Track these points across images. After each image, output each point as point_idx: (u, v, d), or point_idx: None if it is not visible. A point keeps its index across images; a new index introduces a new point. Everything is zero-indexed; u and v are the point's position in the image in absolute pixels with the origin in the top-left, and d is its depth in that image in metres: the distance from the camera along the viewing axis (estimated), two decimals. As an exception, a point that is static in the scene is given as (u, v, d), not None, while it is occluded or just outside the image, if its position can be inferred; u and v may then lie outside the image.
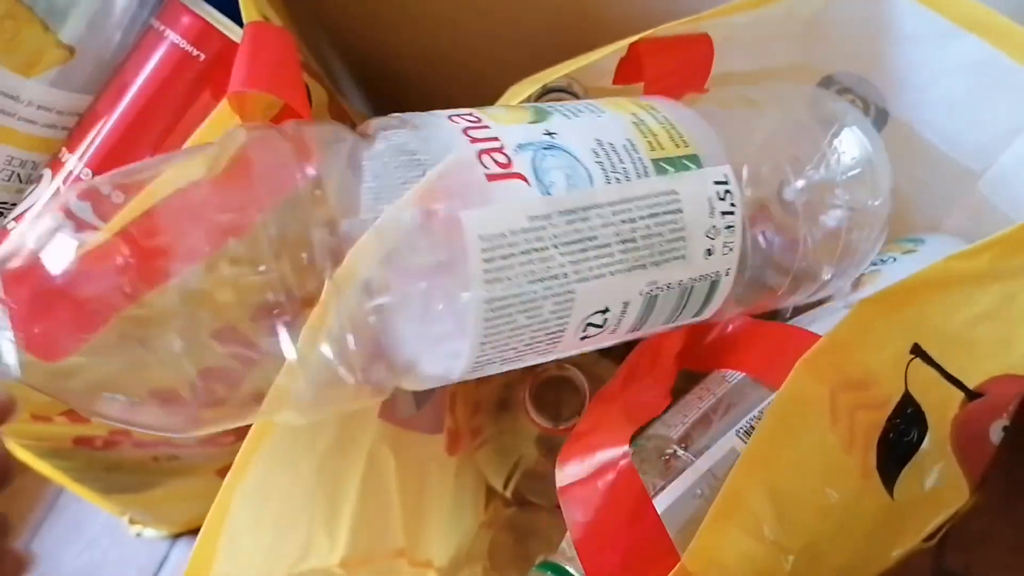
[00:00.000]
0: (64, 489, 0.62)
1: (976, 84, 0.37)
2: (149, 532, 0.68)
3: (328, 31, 0.65)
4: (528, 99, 0.37)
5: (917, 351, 0.33)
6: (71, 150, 0.38)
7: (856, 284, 0.42)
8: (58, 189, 0.37)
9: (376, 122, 0.33)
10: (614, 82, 0.36)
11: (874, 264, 0.42)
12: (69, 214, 0.38)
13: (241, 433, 0.58)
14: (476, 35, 0.58)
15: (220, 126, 0.35)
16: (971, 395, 0.34)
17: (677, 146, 0.32)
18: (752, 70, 0.40)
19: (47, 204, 0.38)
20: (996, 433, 0.34)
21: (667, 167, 0.32)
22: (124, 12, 0.38)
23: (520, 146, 0.31)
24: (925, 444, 0.33)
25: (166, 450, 0.55)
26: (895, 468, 0.33)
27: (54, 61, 0.36)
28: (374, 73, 0.70)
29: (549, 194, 0.30)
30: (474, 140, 0.31)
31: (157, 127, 0.38)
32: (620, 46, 0.35)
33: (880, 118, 0.42)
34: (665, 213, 0.32)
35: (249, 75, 0.34)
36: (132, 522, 0.67)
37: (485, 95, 0.66)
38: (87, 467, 0.56)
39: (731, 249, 0.33)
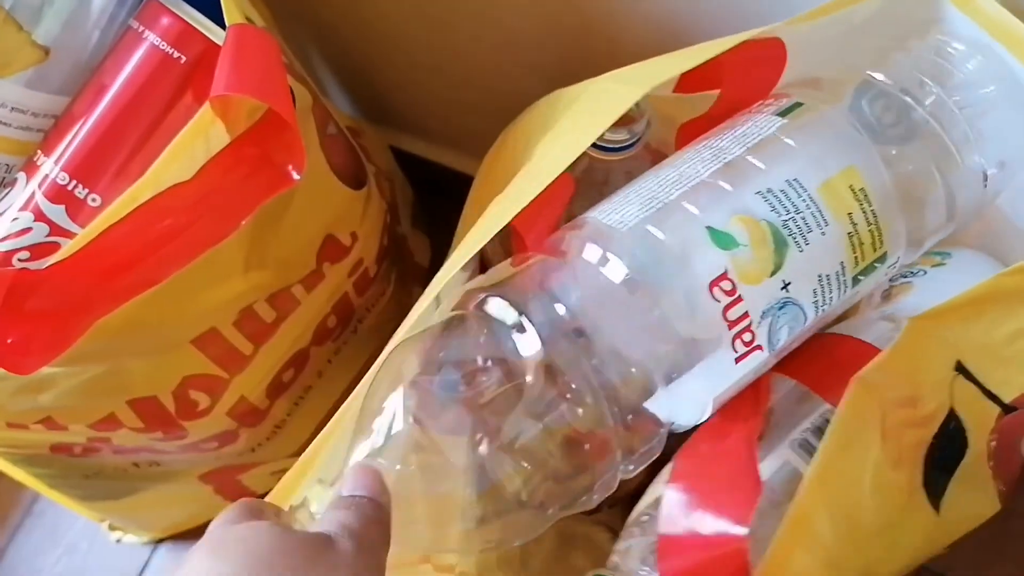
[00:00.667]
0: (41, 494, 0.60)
1: (1001, 98, 0.38)
2: (129, 538, 0.66)
3: (311, 28, 0.64)
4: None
5: (960, 368, 0.34)
6: (47, 153, 0.37)
7: (887, 295, 0.42)
8: (32, 193, 0.36)
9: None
10: (675, 91, 0.35)
11: (904, 276, 0.44)
12: (43, 218, 0.37)
13: (224, 439, 0.57)
14: (465, 37, 0.57)
15: (202, 130, 0.34)
16: (1007, 409, 0.34)
17: (875, 249, 0.36)
18: (808, 76, 0.40)
19: (21, 208, 0.36)
20: None
21: (861, 277, 0.36)
22: (101, 12, 0.37)
23: (763, 314, 0.34)
24: (966, 459, 0.34)
25: (147, 456, 0.53)
26: (941, 483, 0.34)
27: (29, 61, 0.35)
28: (358, 73, 0.69)
29: (775, 350, 0.35)
30: (731, 324, 0.34)
31: (136, 130, 0.37)
32: (696, 62, 0.34)
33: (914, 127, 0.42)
34: (841, 309, 0.37)
35: (232, 79, 0.34)
36: (112, 528, 0.65)
37: (472, 98, 0.66)
38: (65, 474, 0.54)
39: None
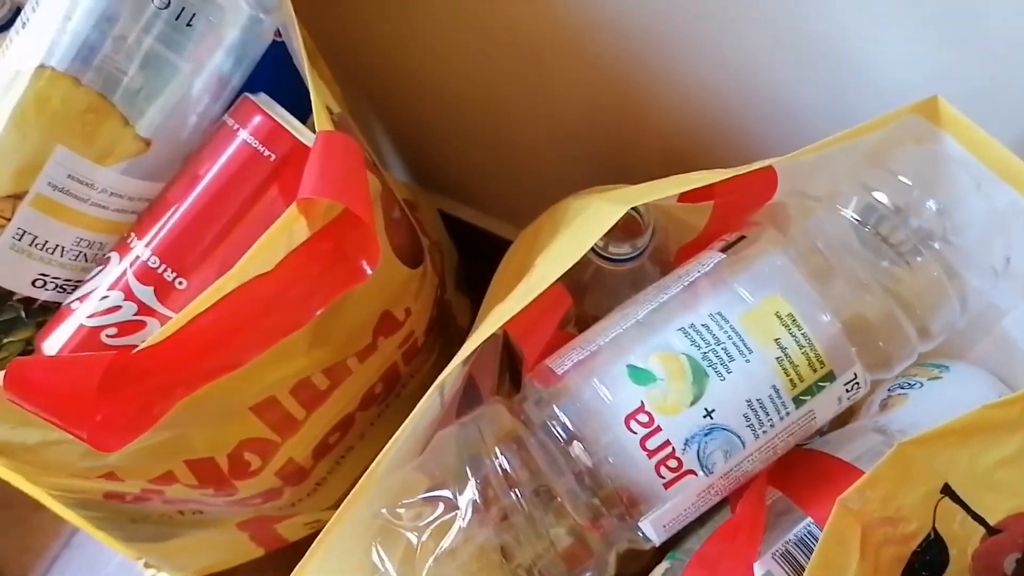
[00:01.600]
0: (81, 527, 0.63)
1: (1009, 230, 0.40)
2: (164, 576, 0.68)
3: (372, 99, 0.66)
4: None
5: (947, 491, 0.36)
6: (139, 235, 0.39)
7: (884, 406, 0.43)
8: (124, 272, 0.38)
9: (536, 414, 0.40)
10: (680, 200, 0.38)
11: (901, 388, 0.46)
12: (132, 297, 0.39)
13: (269, 496, 0.59)
14: (518, 121, 0.60)
15: (287, 226, 0.38)
16: (991, 531, 0.36)
17: (815, 370, 0.38)
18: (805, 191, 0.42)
19: (111, 287, 0.38)
20: (1009, 565, 0.37)
21: (805, 398, 0.38)
22: (198, 107, 0.40)
23: (687, 442, 0.37)
24: (946, 576, 0.36)
25: (194, 506, 0.56)
26: (917, 600, 0.36)
27: (130, 152, 0.39)
28: (415, 141, 0.72)
29: (712, 473, 0.38)
30: (651, 453, 0.37)
31: (224, 219, 0.40)
32: (694, 184, 0.38)
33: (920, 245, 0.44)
34: (801, 429, 0.40)
35: (319, 183, 0.37)
36: (147, 566, 0.67)
37: (519, 174, 0.68)
38: (113, 518, 0.57)
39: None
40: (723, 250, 0.41)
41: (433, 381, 0.71)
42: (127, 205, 0.43)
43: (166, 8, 0.40)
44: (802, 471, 0.42)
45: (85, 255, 0.43)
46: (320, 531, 0.38)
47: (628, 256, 0.45)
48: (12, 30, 0.43)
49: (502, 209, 0.79)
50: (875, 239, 0.40)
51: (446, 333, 0.68)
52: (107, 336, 0.42)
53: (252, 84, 0.45)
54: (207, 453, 0.51)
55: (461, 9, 0.58)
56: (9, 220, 0.41)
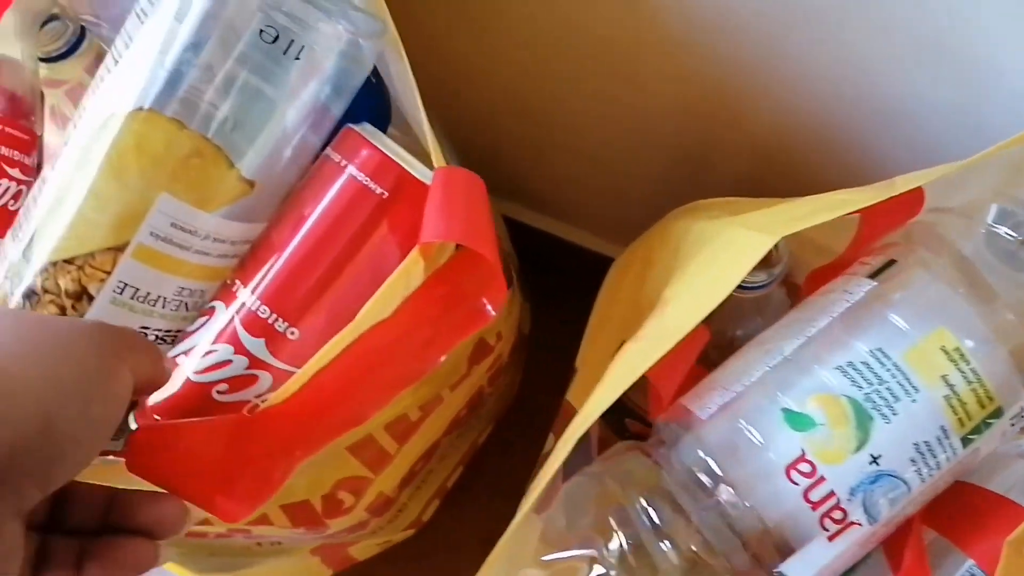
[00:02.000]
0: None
1: None
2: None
3: (436, 100, 0.64)
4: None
5: None
6: (244, 281, 0.37)
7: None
8: (231, 324, 0.36)
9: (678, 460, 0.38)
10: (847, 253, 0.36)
11: None
12: (243, 351, 0.37)
13: (355, 529, 0.57)
14: (594, 117, 0.58)
15: (407, 272, 0.37)
16: None
17: (983, 407, 0.37)
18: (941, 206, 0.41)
19: (218, 340, 0.39)
20: None
21: (973, 437, 0.37)
22: (295, 142, 0.38)
23: (853, 491, 0.36)
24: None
25: (275, 538, 0.54)
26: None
27: (235, 196, 0.37)
28: (477, 142, 0.69)
29: (876, 521, 0.36)
30: (814, 505, 0.35)
31: (333, 261, 0.38)
32: (847, 209, 0.36)
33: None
34: (963, 467, 0.38)
35: (442, 226, 0.34)
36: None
37: (590, 172, 0.66)
38: (192, 552, 0.55)
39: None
40: (871, 276, 0.38)
41: (504, 394, 0.70)
42: (229, 249, 0.41)
43: (274, 42, 0.37)
44: (955, 507, 0.40)
45: (187, 304, 0.41)
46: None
47: (761, 284, 0.43)
48: (103, 67, 0.40)
49: (561, 209, 0.76)
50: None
51: (517, 345, 0.67)
52: (218, 393, 0.40)
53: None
54: (303, 497, 0.49)
55: (539, 13, 0.55)
56: (109, 274, 0.39)
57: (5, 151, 0.46)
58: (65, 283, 0.39)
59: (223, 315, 0.40)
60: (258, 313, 0.40)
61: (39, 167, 0.51)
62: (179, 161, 0.38)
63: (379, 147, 0.40)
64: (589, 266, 0.75)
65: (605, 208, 0.73)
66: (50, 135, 0.55)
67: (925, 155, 0.53)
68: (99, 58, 0.59)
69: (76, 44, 0.57)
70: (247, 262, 0.41)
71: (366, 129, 0.41)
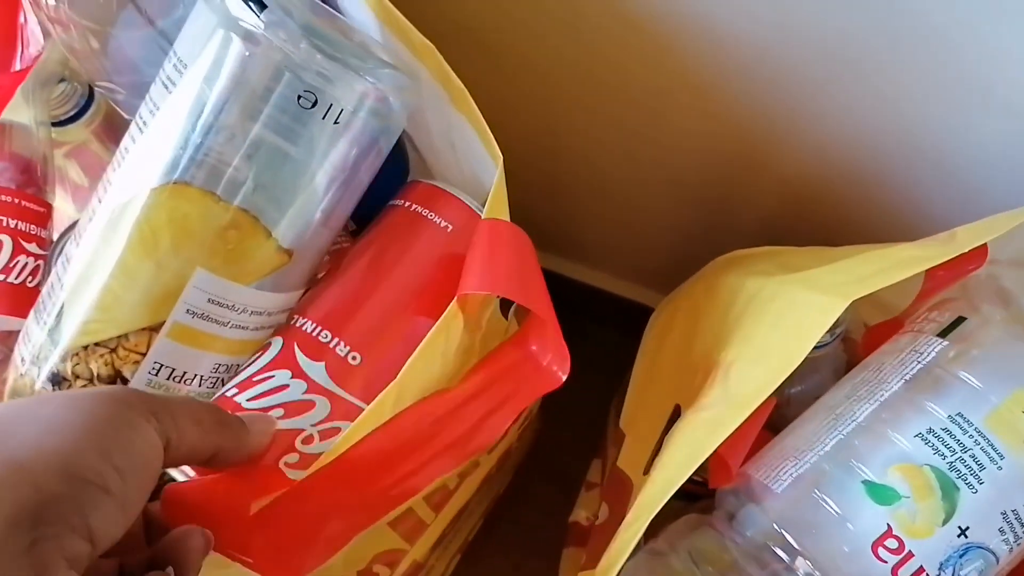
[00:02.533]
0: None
1: None
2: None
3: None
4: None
5: None
6: (301, 315, 0.39)
7: None
8: (288, 346, 0.37)
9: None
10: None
11: None
12: (301, 375, 0.35)
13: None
14: (619, 160, 0.57)
15: (446, 324, 0.36)
16: None
17: None
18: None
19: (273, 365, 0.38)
20: None
21: None
22: (335, 210, 0.38)
23: (942, 565, 0.33)
24: None
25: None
26: None
27: (273, 267, 0.35)
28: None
29: None
30: None
31: (393, 284, 0.39)
32: (915, 269, 0.34)
33: None
34: None
35: (486, 277, 0.32)
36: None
37: (611, 215, 0.64)
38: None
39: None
40: (940, 335, 0.37)
41: (529, 443, 0.68)
42: (266, 321, 0.39)
43: (310, 105, 0.35)
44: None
45: (223, 380, 0.39)
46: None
47: (823, 344, 0.41)
48: (127, 138, 0.38)
49: (579, 251, 0.75)
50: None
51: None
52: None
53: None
54: (341, 573, 0.47)
55: (564, 53, 0.54)
56: (144, 355, 0.36)
57: (22, 226, 0.44)
58: (97, 367, 0.36)
59: (278, 344, 0.39)
60: (319, 338, 0.38)
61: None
62: (215, 234, 0.36)
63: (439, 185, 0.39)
64: (607, 308, 0.73)
65: (623, 249, 0.71)
66: (59, 200, 0.53)
67: (962, 198, 0.52)
68: (106, 119, 0.57)
69: (85, 107, 0.55)
70: (304, 300, 0.40)
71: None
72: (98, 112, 0.56)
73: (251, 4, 0.35)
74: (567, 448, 0.73)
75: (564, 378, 0.36)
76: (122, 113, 0.48)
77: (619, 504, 0.42)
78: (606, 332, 0.70)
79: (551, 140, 0.64)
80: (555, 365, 0.37)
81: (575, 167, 0.65)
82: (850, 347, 0.43)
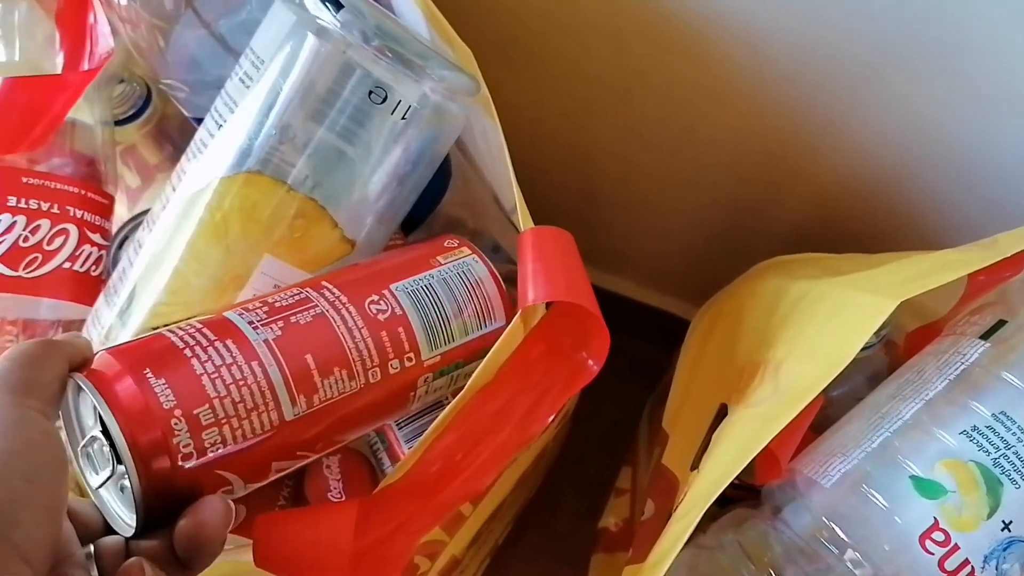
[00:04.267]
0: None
1: None
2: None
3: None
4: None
5: None
6: None
7: None
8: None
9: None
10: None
11: None
12: None
13: None
14: (649, 164, 0.57)
15: (513, 339, 0.36)
16: None
17: None
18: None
19: None
20: None
21: None
22: (395, 204, 0.40)
23: (986, 558, 0.34)
24: None
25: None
26: None
27: (337, 256, 0.35)
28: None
29: None
30: (949, 574, 0.34)
31: None
32: (965, 270, 0.36)
33: None
34: None
35: (541, 288, 0.34)
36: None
37: (640, 220, 0.65)
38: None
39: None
40: (982, 337, 0.37)
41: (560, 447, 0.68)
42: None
43: (380, 101, 0.36)
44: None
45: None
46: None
47: (869, 345, 0.42)
48: (202, 132, 0.38)
49: (607, 259, 0.75)
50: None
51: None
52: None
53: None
54: (385, 564, 0.47)
55: (604, 64, 0.55)
56: (210, 338, 0.37)
57: (88, 216, 0.45)
58: (165, 349, 0.37)
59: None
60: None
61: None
62: (284, 222, 0.37)
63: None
64: (633, 317, 0.74)
65: (650, 258, 0.72)
66: (114, 196, 0.54)
67: (992, 205, 0.52)
68: (161, 122, 0.58)
69: (141, 109, 0.56)
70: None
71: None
72: (154, 114, 0.57)
73: (327, 4, 0.36)
74: (594, 455, 0.73)
75: (597, 370, 0.37)
76: (183, 111, 0.49)
77: (665, 500, 0.42)
78: (633, 341, 0.71)
79: (582, 148, 0.65)
80: (591, 356, 0.37)
81: (606, 177, 0.66)
82: (891, 351, 0.43)
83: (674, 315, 0.74)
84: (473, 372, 0.36)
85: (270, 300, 0.34)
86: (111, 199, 0.47)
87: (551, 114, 0.62)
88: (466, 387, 0.35)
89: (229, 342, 0.31)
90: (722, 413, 0.41)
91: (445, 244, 0.40)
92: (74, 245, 0.44)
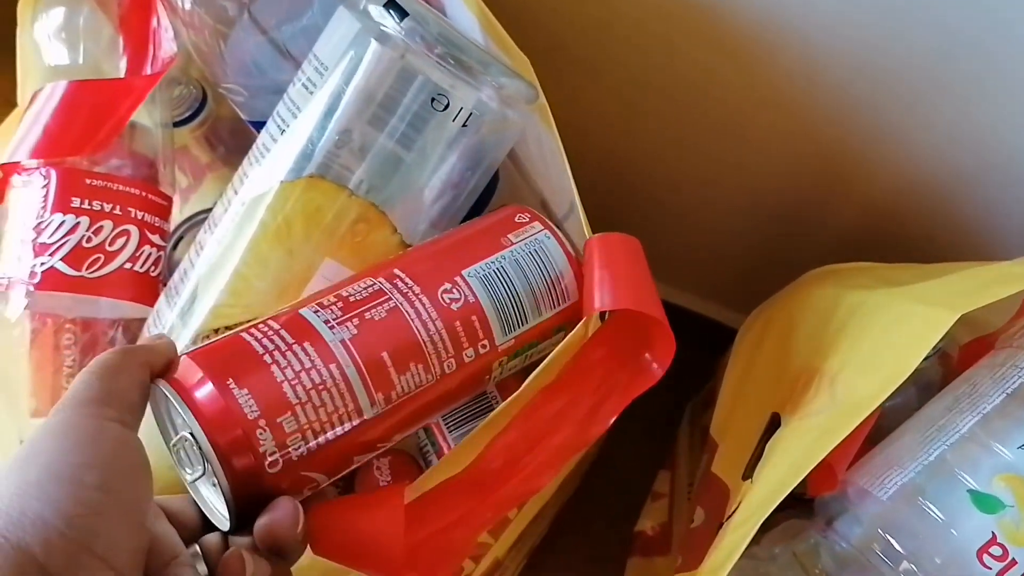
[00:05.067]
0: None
1: None
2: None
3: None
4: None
5: None
6: None
7: None
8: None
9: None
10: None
11: None
12: None
13: None
14: (702, 171, 0.57)
15: (578, 342, 0.36)
16: None
17: None
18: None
19: None
20: None
21: None
22: (452, 211, 0.41)
23: None
24: None
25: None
26: None
27: None
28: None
29: None
30: None
31: None
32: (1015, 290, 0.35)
33: None
34: None
35: (611, 295, 0.32)
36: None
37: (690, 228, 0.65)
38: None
39: None
40: (1040, 349, 0.37)
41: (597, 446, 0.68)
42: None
43: (442, 109, 0.36)
44: None
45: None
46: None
47: (926, 357, 0.41)
48: (265, 136, 0.39)
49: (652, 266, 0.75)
50: None
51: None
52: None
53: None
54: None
55: (657, 68, 0.55)
56: (270, 340, 0.37)
57: (148, 218, 0.45)
58: (227, 349, 0.37)
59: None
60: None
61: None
62: (346, 227, 0.37)
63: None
64: (673, 321, 0.73)
65: (694, 264, 0.72)
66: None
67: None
68: (214, 125, 0.59)
69: (198, 110, 0.57)
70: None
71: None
72: (208, 117, 0.57)
73: (391, 12, 0.36)
74: (629, 457, 0.73)
75: (661, 373, 0.37)
76: (241, 114, 0.49)
77: (716, 508, 0.42)
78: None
79: (625, 154, 0.65)
80: (655, 359, 0.37)
81: (650, 182, 0.66)
82: (945, 362, 0.43)
83: (712, 319, 0.74)
84: (547, 352, 0.36)
85: (344, 294, 0.34)
86: (170, 200, 0.48)
87: (596, 121, 0.62)
88: (527, 385, 0.36)
89: (307, 344, 0.31)
90: (774, 422, 0.41)
91: (516, 219, 0.39)
92: (135, 246, 0.45)
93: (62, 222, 0.43)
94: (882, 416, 0.40)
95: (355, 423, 0.32)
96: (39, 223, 0.43)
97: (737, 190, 0.62)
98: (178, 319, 0.39)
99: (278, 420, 0.30)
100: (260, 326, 0.32)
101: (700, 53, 0.52)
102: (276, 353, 0.31)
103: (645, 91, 0.57)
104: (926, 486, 0.35)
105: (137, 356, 0.30)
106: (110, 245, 0.44)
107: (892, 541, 0.35)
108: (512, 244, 0.37)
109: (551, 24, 0.55)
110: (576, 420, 0.37)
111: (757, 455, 0.40)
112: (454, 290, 0.35)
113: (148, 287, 0.45)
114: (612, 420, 0.37)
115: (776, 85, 0.51)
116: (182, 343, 0.38)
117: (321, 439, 0.31)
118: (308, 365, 0.31)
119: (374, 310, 0.33)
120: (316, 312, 0.33)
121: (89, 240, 0.44)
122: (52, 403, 0.45)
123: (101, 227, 0.44)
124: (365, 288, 0.34)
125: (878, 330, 0.38)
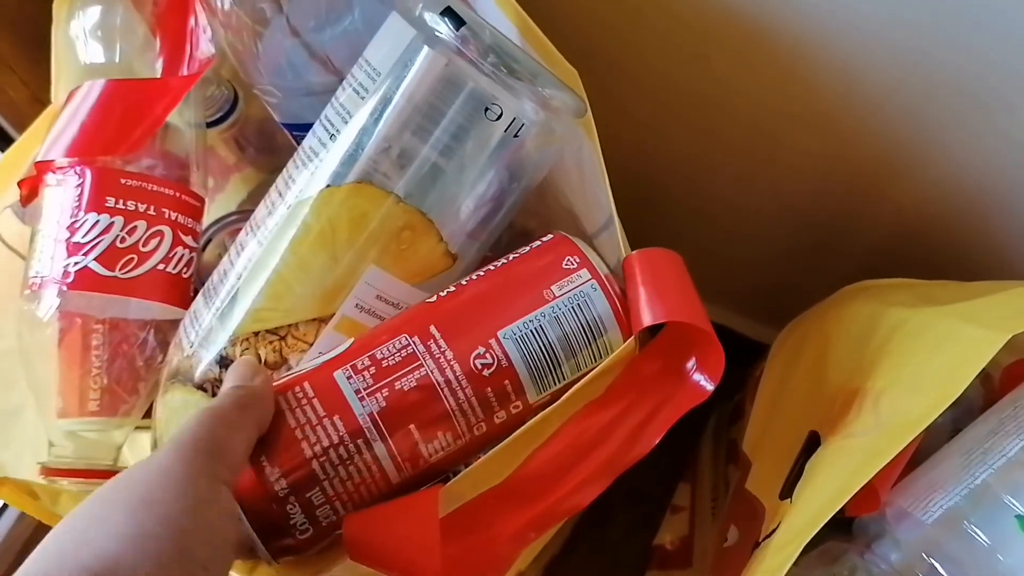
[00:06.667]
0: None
1: None
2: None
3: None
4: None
5: None
6: None
7: None
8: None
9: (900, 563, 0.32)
10: None
11: None
12: None
13: None
14: (731, 183, 0.56)
15: (625, 357, 0.35)
16: None
17: None
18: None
19: None
20: None
21: None
22: (496, 222, 0.40)
23: None
24: None
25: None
26: None
27: (439, 269, 0.35)
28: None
29: None
30: None
31: None
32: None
33: None
34: None
35: (659, 309, 0.32)
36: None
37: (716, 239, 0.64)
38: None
39: None
40: (1085, 376, 0.36)
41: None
42: (394, 312, 0.39)
43: (495, 119, 0.36)
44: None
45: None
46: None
47: (970, 378, 0.41)
48: (312, 140, 0.38)
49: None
50: None
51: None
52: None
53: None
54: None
55: (678, 78, 0.54)
56: (310, 345, 0.37)
57: (181, 219, 0.45)
58: (266, 353, 0.37)
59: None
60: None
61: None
62: (391, 234, 0.36)
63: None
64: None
65: (721, 277, 0.71)
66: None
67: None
68: (243, 126, 0.58)
69: (229, 111, 0.56)
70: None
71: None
72: (239, 119, 0.57)
73: (446, 20, 0.35)
74: (646, 467, 0.72)
75: (711, 389, 0.36)
76: (275, 116, 0.49)
77: (750, 527, 0.41)
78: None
79: (657, 163, 0.64)
80: (704, 375, 0.36)
81: (680, 190, 0.65)
82: (987, 384, 0.42)
83: (739, 333, 0.73)
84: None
85: (378, 356, 0.34)
86: (202, 201, 0.47)
87: (628, 127, 0.61)
88: (571, 397, 0.35)
89: (336, 419, 0.33)
90: (812, 440, 0.41)
91: (564, 265, 0.36)
92: (168, 247, 0.44)
93: (96, 221, 0.43)
94: (923, 437, 0.39)
95: (382, 490, 0.34)
96: (73, 222, 0.43)
97: (770, 199, 0.61)
98: (216, 320, 0.38)
99: (307, 495, 0.33)
100: (296, 390, 0.34)
101: (734, 67, 0.52)
102: (307, 428, 0.33)
103: (679, 96, 0.57)
104: (972, 510, 0.35)
105: (252, 415, 0.31)
106: (144, 246, 0.43)
107: (936, 566, 0.34)
108: (555, 298, 0.36)
109: (586, 28, 0.55)
110: (624, 435, 0.36)
111: (795, 474, 0.40)
112: (487, 354, 0.35)
113: (180, 289, 0.45)
114: (661, 436, 0.36)
115: (808, 102, 0.51)
116: (220, 346, 0.38)
117: (349, 507, 0.33)
118: (336, 440, 0.33)
119: (404, 379, 0.34)
120: (349, 378, 0.34)
121: (123, 240, 0.43)
122: (79, 404, 0.45)
123: (135, 227, 0.43)
124: (399, 351, 0.34)
125: (924, 350, 0.37)
